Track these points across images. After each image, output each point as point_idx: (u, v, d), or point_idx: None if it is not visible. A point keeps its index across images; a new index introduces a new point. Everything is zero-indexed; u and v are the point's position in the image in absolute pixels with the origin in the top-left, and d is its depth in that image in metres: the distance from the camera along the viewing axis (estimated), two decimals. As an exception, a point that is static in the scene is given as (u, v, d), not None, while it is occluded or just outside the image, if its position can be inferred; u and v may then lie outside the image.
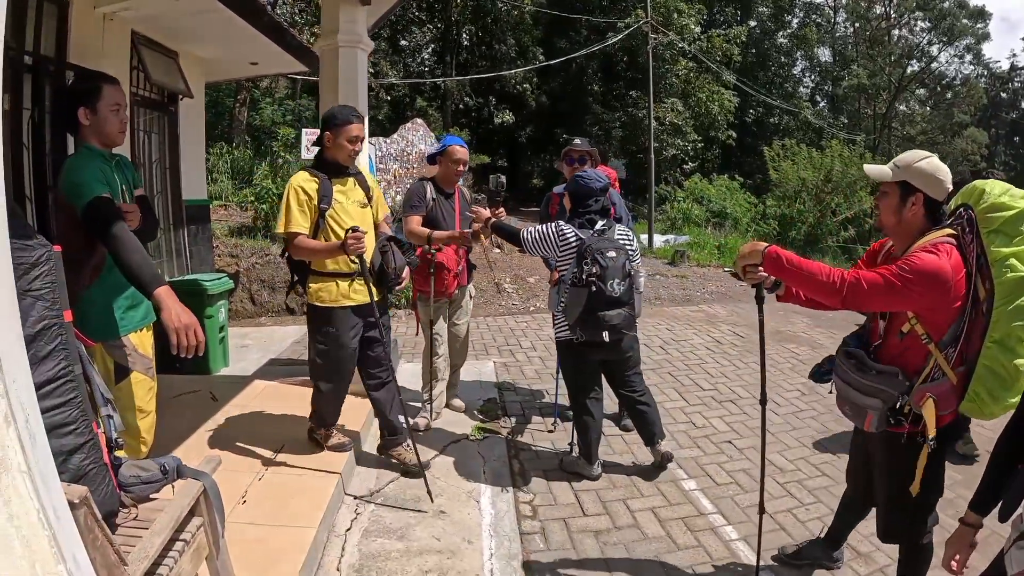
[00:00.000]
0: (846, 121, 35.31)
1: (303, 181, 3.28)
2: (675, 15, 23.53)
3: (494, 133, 26.98)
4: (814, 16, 37.68)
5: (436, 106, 24.66)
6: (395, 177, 11.66)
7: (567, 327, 3.53)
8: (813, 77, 39.54)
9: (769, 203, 20.48)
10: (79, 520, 1.37)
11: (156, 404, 2.68)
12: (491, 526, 3.27)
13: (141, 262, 2.25)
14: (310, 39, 11.00)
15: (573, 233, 3.52)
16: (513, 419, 4.71)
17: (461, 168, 4.23)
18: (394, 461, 3.72)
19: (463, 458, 4.00)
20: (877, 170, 2.29)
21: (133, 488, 2.02)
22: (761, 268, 2.32)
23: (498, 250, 12.72)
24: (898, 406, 2.19)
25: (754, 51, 31.71)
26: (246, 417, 4.15)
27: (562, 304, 3.50)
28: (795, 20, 36.37)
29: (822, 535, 3.00)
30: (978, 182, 2.19)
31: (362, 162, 4.46)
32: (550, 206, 4.53)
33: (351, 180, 3.44)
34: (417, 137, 12.27)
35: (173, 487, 2.07)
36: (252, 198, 10.43)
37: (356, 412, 4.17)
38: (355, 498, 3.45)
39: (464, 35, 25.74)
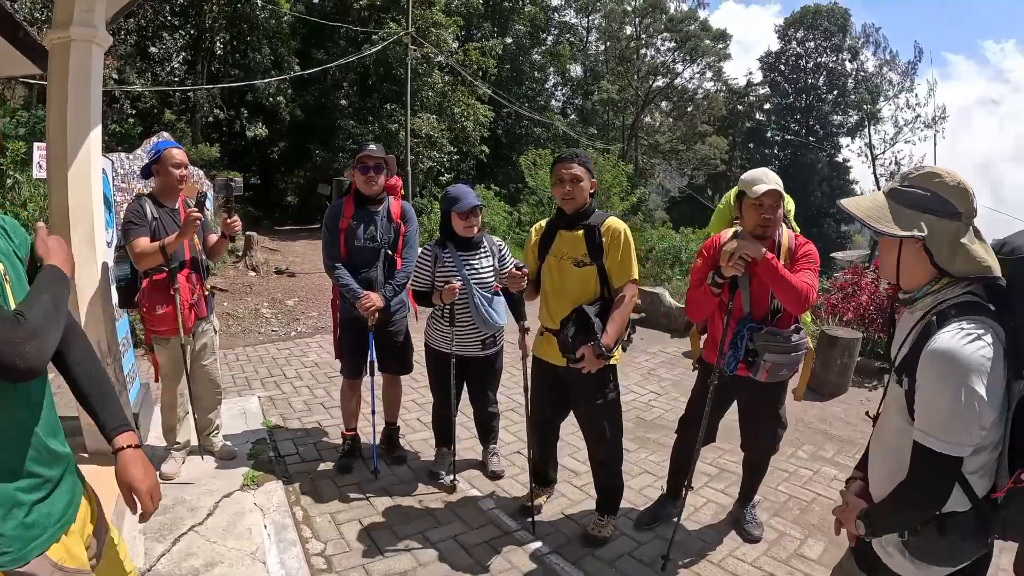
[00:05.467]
0: (596, 132, 38.56)
1: None
2: (433, 28, 23.88)
3: (247, 148, 25.38)
4: (568, 36, 40.65)
5: (186, 120, 22.58)
6: (138, 198, 10.41)
7: None
8: (565, 92, 42.62)
9: (524, 210, 21.40)
10: None
11: None
12: (284, 589, 3.07)
13: None
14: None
15: None
16: (287, 460, 4.44)
17: (183, 172, 3.83)
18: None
19: (239, 513, 3.67)
20: None
21: None
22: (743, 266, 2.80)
23: (254, 272, 12.00)
24: None
25: (509, 66, 33.29)
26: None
27: None
28: (550, 38, 38.88)
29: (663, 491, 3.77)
30: None
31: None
32: (340, 220, 3.94)
33: None
34: (163, 152, 11.13)
35: None
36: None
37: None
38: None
39: (218, 43, 23.80)
